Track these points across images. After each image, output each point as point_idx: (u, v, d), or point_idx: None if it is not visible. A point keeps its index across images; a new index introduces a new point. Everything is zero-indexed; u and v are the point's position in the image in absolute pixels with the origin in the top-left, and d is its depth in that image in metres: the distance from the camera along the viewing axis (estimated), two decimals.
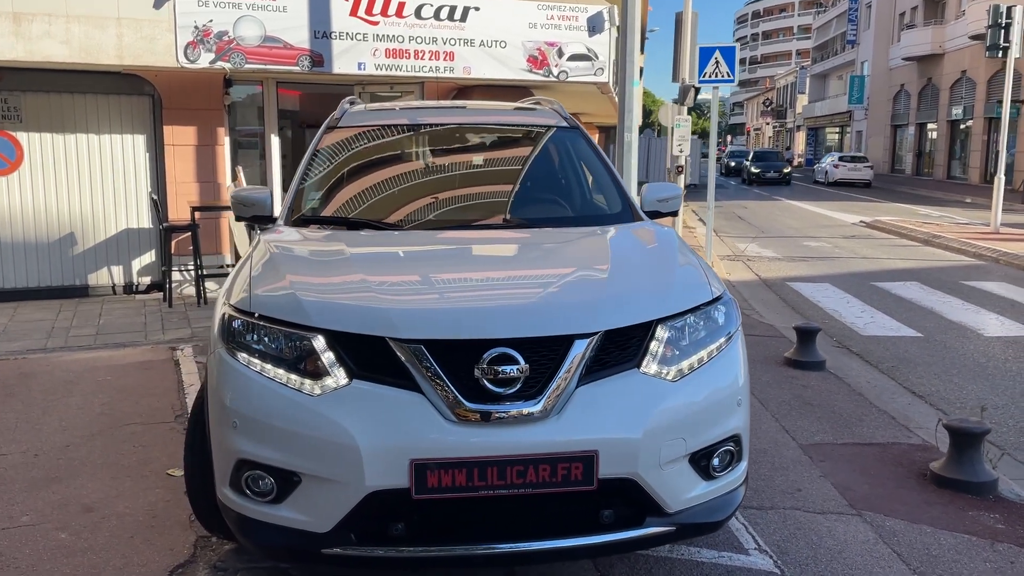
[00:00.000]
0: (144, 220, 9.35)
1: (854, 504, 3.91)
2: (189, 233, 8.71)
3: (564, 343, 2.67)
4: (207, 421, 3.01)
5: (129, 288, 9.37)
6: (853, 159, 37.92)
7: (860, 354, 7.24)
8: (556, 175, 4.27)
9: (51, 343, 7.16)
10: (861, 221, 19.70)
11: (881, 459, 4.51)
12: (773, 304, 9.60)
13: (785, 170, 37.98)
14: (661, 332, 2.83)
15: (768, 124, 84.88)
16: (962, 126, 37.84)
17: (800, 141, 68.84)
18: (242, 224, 9.47)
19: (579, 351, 2.67)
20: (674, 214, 4.20)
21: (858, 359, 7.07)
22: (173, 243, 8.98)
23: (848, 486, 4.12)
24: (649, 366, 2.78)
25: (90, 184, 9.08)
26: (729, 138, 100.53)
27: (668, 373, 2.79)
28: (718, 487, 2.87)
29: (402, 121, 4.52)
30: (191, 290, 9.21)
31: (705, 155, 46.60)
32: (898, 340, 7.76)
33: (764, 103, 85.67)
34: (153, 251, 9.43)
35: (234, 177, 9.60)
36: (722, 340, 2.97)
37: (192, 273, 9.08)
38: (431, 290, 3.00)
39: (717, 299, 3.06)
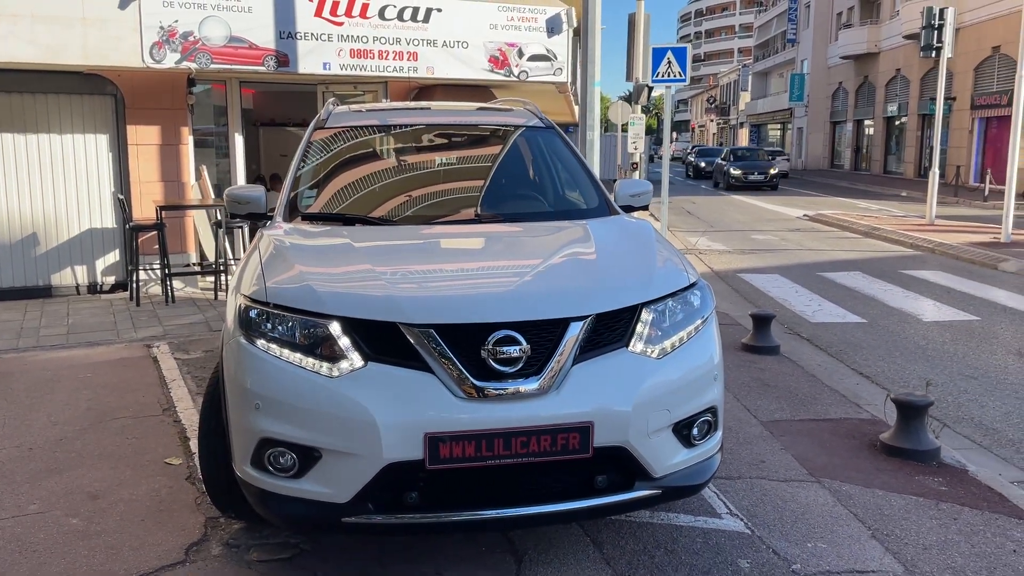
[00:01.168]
0: (107, 220, 9.36)
1: (813, 472, 4.27)
2: (155, 232, 8.77)
3: (561, 325, 2.94)
4: (224, 406, 3.21)
5: (93, 288, 9.37)
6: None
7: (810, 339, 7.67)
8: (539, 172, 4.55)
9: (23, 343, 7.18)
10: (805, 215, 20.40)
11: (835, 433, 4.89)
12: (727, 294, 10.02)
13: (772, 171, 31.67)
14: (646, 315, 3.12)
15: (712, 121, 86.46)
16: (897, 122, 39.20)
17: (743, 137, 70.31)
18: (207, 223, 9.59)
19: (574, 333, 2.94)
20: (645, 208, 4.52)
21: (808, 344, 7.49)
22: (139, 242, 9.02)
23: (807, 457, 4.48)
24: (636, 345, 3.07)
25: (52, 184, 9.07)
26: (674, 135, 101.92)
27: (653, 352, 3.08)
28: (698, 454, 3.17)
29: (389, 121, 4.75)
30: (157, 289, 9.27)
31: (652, 157, 44.95)
32: (844, 326, 8.22)
33: (708, 100, 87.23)
34: (117, 251, 9.45)
35: (198, 176, 9.66)
36: (699, 322, 3.28)
37: (158, 272, 9.14)
38: (437, 278, 3.25)
39: (693, 284, 3.37)
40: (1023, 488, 4.26)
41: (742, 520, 3.70)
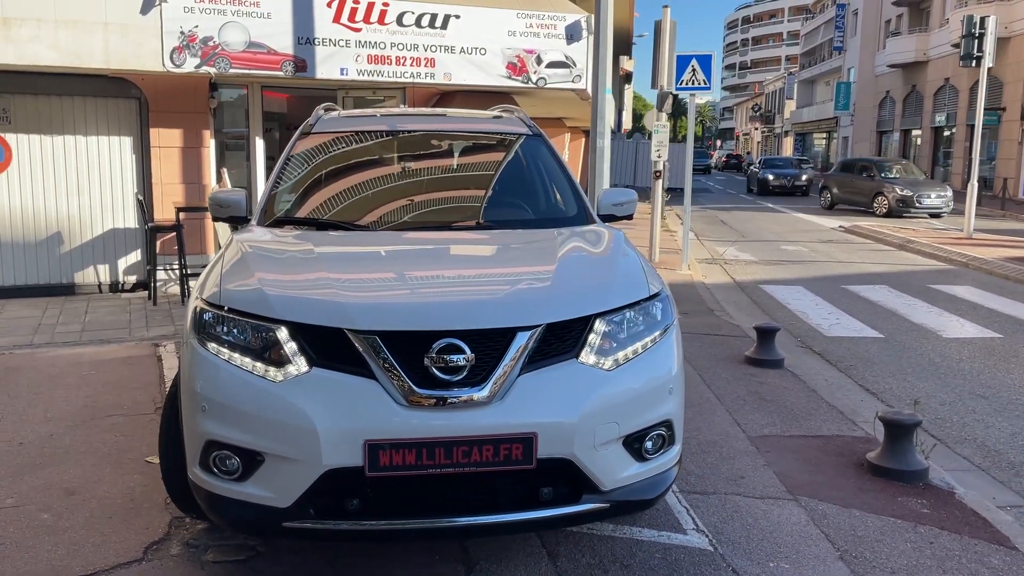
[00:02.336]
0: (130, 220, 9.56)
1: (792, 490, 4.17)
2: (174, 233, 8.93)
3: (508, 335, 2.91)
4: (179, 407, 3.25)
5: (115, 287, 9.58)
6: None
7: (821, 353, 7.52)
8: (516, 180, 4.53)
9: (37, 339, 7.36)
10: (840, 226, 20.02)
11: (824, 450, 4.77)
12: (744, 306, 9.87)
13: (948, 193, 22.76)
14: (599, 326, 3.08)
15: (756, 129, 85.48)
16: (945, 133, 38.32)
17: (788, 146, 69.37)
18: (226, 224, 9.73)
19: (522, 342, 2.92)
20: (628, 217, 4.46)
21: (818, 358, 7.34)
22: (158, 243, 9.19)
23: (788, 474, 4.38)
24: (587, 356, 3.03)
25: (77, 185, 9.29)
26: (719, 143, 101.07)
27: (605, 363, 3.04)
28: (650, 468, 3.12)
29: (372, 128, 4.76)
30: (176, 289, 9.43)
31: (709, 168, 40.73)
32: (860, 340, 8.03)
33: (753, 108, 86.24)
34: (138, 250, 9.64)
35: (219, 179, 9.82)
36: (657, 334, 3.22)
37: (177, 272, 9.30)
38: (387, 286, 3.24)
39: (655, 296, 3.32)
40: (1012, 513, 4.12)
41: (707, 537, 3.63)
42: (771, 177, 33.08)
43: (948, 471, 4.59)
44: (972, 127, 33.46)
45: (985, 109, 17.49)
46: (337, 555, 3.40)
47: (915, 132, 42.17)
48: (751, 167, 39.62)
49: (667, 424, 3.17)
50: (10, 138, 8.96)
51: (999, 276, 12.16)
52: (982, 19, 15.93)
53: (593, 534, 3.58)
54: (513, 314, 2.96)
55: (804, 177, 33.29)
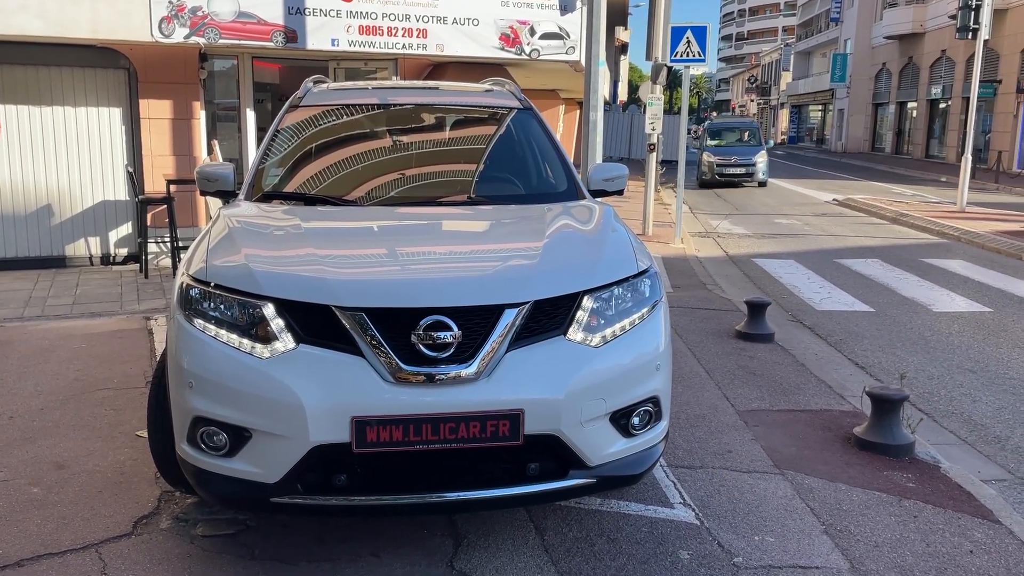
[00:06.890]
0: (120, 192, 9.50)
1: (778, 464, 4.20)
2: (165, 206, 8.89)
3: (495, 312, 2.91)
4: (167, 383, 3.25)
5: (106, 259, 9.54)
6: None
7: (812, 328, 7.54)
8: (506, 155, 4.50)
9: (28, 312, 7.34)
10: (834, 199, 20.01)
11: (811, 424, 4.80)
12: (736, 280, 9.88)
13: None
14: (587, 302, 3.08)
15: (753, 101, 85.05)
16: (941, 105, 38.18)
17: (784, 119, 69.09)
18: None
19: (509, 319, 2.92)
20: (619, 193, 4.44)
21: (809, 332, 7.37)
22: (149, 215, 9.15)
23: (776, 448, 4.41)
24: (575, 333, 3.03)
25: (67, 156, 9.22)
26: (714, 114, 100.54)
27: (592, 340, 3.04)
28: (637, 443, 3.13)
29: (362, 100, 4.72)
30: (167, 261, 9.40)
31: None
32: (850, 315, 8.06)
33: (749, 80, 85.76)
34: (129, 223, 9.59)
35: (210, 151, 9.74)
36: (645, 310, 3.23)
37: (168, 245, 9.26)
38: (374, 262, 3.23)
39: (643, 272, 3.32)
40: (995, 487, 4.16)
41: (693, 510, 3.66)
42: None
43: (934, 445, 4.63)
44: (968, 99, 33.46)
45: (981, 81, 17.44)
46: (326, 530, 3.42)
47: (911, 104, 42.02)
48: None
49: (654, 400, 3.18)
50: None
51: (991, 250, 12.19)
52: None
53: (580, 508, 3.61)
54: (500, 291, 2.96)
55: None
